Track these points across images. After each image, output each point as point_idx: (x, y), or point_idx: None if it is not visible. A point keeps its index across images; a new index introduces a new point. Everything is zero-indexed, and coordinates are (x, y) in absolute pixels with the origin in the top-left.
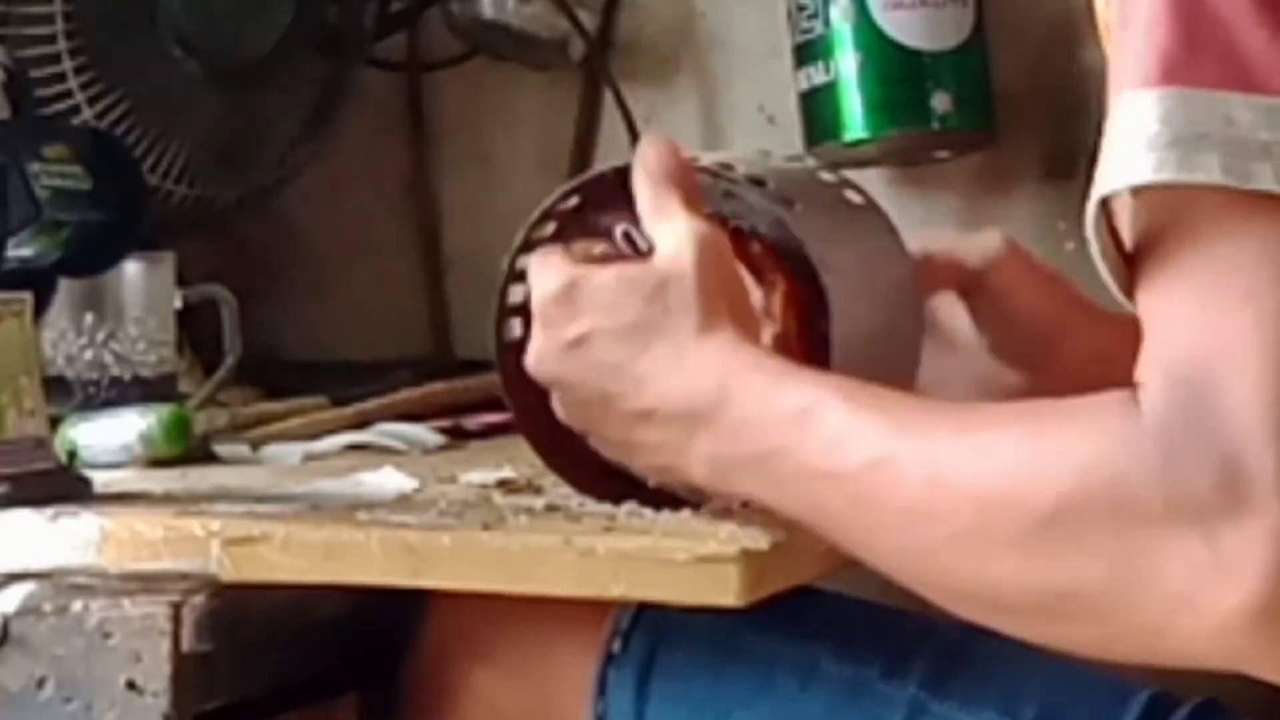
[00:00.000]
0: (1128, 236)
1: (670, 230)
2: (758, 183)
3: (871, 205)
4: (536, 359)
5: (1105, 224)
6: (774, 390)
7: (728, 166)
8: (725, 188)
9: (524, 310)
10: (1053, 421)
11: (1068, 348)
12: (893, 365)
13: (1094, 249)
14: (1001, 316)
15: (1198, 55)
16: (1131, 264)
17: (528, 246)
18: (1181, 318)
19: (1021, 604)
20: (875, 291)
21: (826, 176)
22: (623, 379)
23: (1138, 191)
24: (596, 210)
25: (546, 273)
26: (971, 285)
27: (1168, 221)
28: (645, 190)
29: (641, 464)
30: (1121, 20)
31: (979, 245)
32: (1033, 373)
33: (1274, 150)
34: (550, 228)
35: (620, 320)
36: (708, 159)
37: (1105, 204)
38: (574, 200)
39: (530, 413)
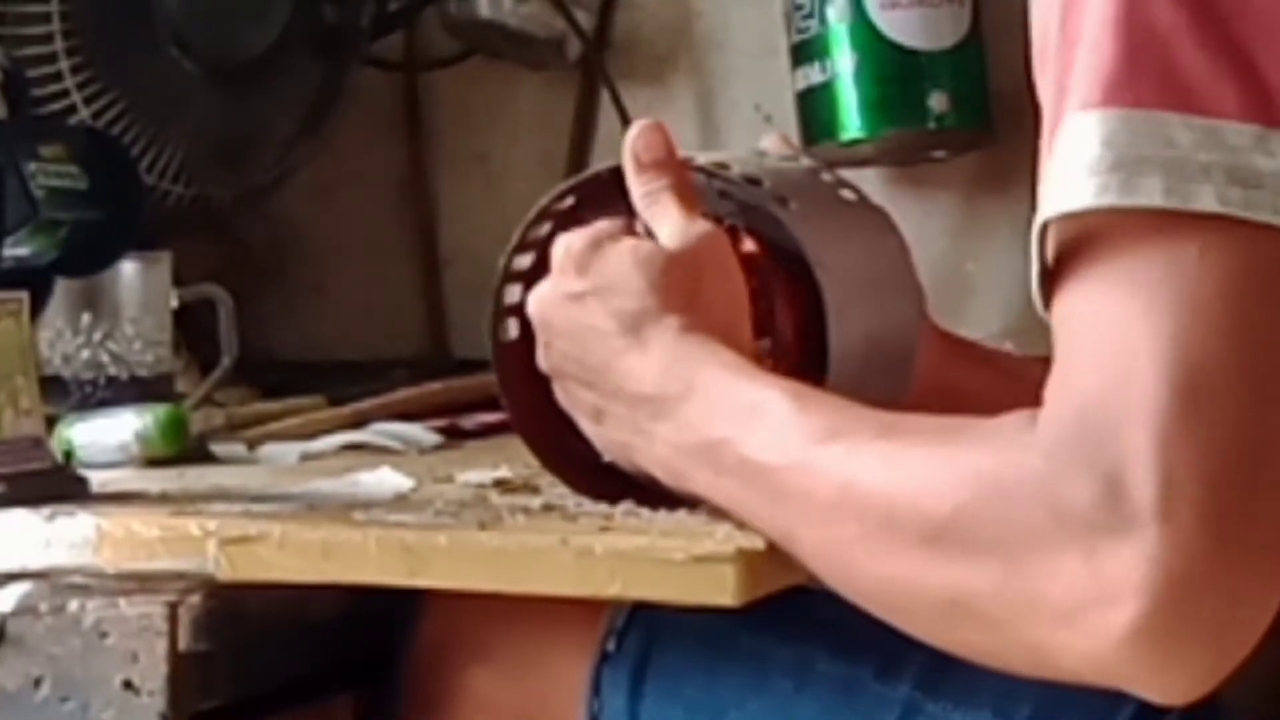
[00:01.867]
0: (1050, 255)
1: (670, 222)
2: (753, 182)
3: (867, 203)
4: (536, 300)
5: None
6: (733, 387)
7: (723, 166)
8: (720, 187)
9: (520, 310)
10: (958, 434)
11: (920, 371)
12: (889, 363)
13: (1034, 270)
14: None
15: (1138, 76)
16: (1052, 282)
17: (523, 247)
18: (1081, 336)
19: (919, 608)
20: (871, 290)
21: (823, 176)
22: (604, 350)
23: (1078, 215)
24: (592, 210)
25: (583, 230)
26: None
27: (1087, 243)
28: (636, 180)
29: (601, 434)
30: (1066, 40)
31: None
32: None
33: (1213, 171)
34: (546, 227)
35: (620, 300)
36: (703, 158)
37: (1045, 227)
38: (570, 200)
39: (526, 412)
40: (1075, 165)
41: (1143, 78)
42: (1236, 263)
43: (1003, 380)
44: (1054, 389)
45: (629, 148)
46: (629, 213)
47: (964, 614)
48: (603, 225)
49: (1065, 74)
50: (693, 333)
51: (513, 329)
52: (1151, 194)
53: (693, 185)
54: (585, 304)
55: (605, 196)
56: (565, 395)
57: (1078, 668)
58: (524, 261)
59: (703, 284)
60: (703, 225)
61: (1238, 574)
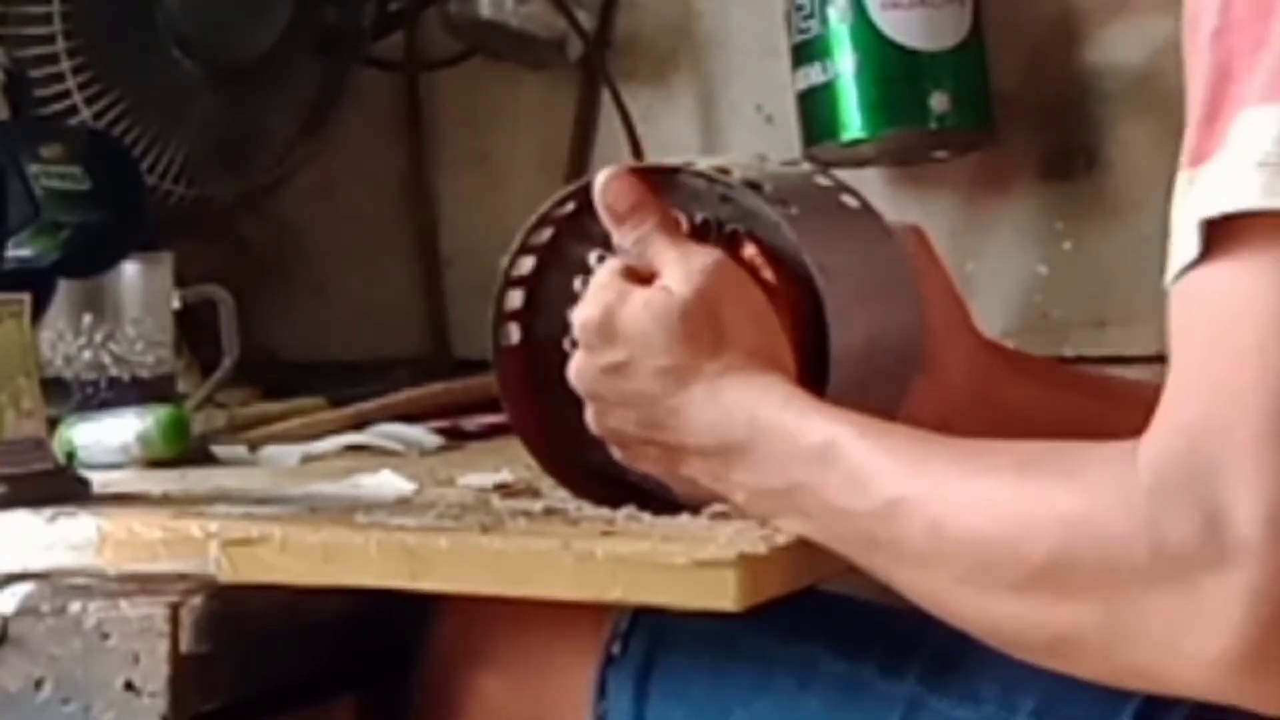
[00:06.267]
0: (1197, 245)
1: (670, 263)
2: (754, 186)
3: (867, 208)
4: (577, 374)
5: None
6: (798, 427)
7: (724, 170)
8: (721, 191)
9: (521, 316)
10: (1049, 473)
11: (947, 358)
12: (890, 368)
13: (1171, 268)
14: None
15: None
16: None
17: (524, 251)
18: (1193, 365)
19: (1025, 643)
20: (872, 293)
21: (822, 180)
22: (659, 411)
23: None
24: (594, 215)
25: (588, 298)
26: None
27: (1233, 244)
28: (619, 231)
29: (681, 489)
30: (1254, 44)
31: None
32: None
33: None
34: (547, 233)
35: (655, 358)
36: (704, 163)
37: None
38: (571, 206)
39: (527, 417)
40: (1242, 162)
41: None
42: None
43: (1053, 393)
44: (1159, 418)
45: (601, 202)
46: None
47: (1072, 648)
48: (601, 282)
49: (1248, 74)
50: (734, 373)
51: (514, 334)
52: None
53: (672, 217)
54: (624, 372)
55: None
56: (632, 456)
57: (1188, 689)
58: (525, 266)
59: (724, 315)
60: (704, 256)
61: None
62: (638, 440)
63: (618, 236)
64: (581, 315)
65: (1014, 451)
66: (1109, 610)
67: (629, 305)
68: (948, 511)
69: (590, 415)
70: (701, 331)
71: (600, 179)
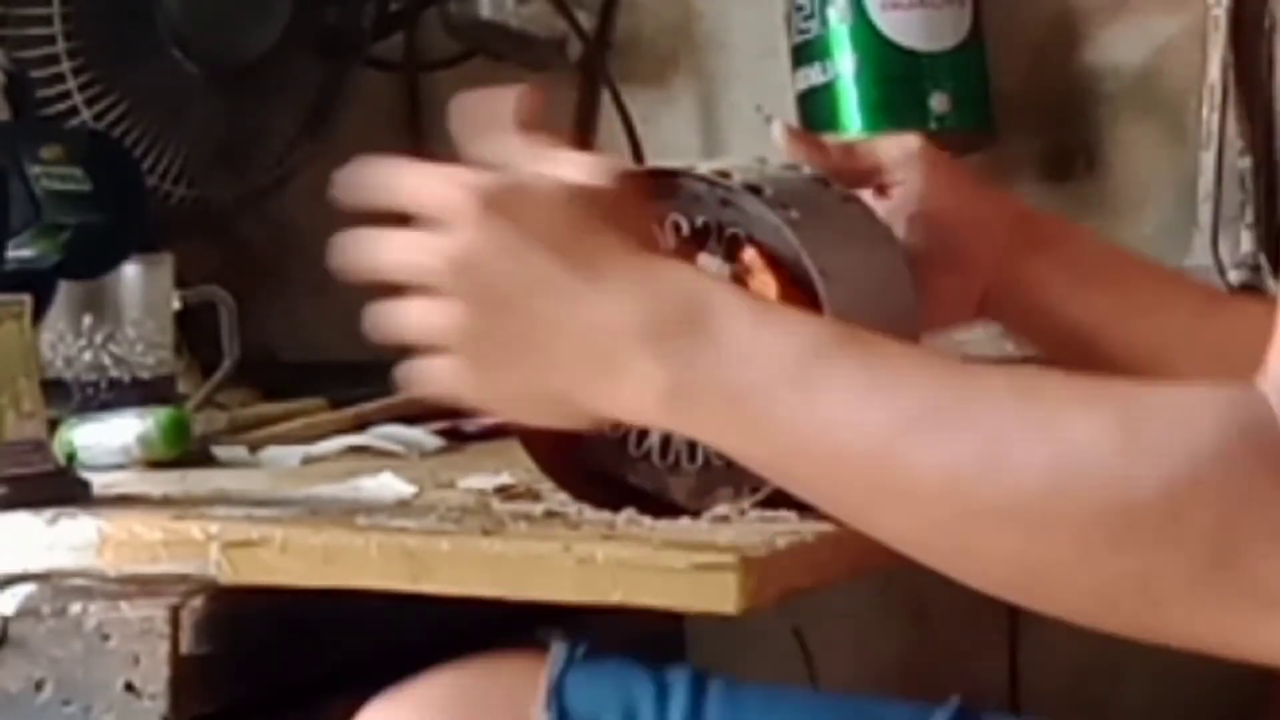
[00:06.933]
0: None
1: (584, 160)
2: (754, 190)
3: (867, 212)
4: (421, 249)
5: None
6: (761, 321)
7: (724, 174)
8: (722, 195)
9: None
10: (1155, 407)
11: (977, 249)
12: None
13: None
14: (914, 217)
15: None
16: None
17: None
18: None
19: (1072, 596)
20: (871, 298)
21: (824, 185)
22: (552, 294)
23: None
24: None
25: (452, 173)
26: (887, 183)
27: None
28: (493, 148)
29: (536, 388)
30: None
31: (897, 145)
32: (945, 275)
33: None
34: None
35: (562, 233)
36: (704, 167)
37: None
38: None
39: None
40: None
41: None
42: None
43: (1085, 286)
44: None
45: (517, 115)
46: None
47: (1146, 602)
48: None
49: None
50: (669, 262)
51: None
52: None
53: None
54: (510, 248)
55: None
56: (474, 367)
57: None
58: None
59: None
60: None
61: None
62: (497, 343)
63: (509, 148)
64: (470, 180)
65: (1071, 383)
66: (1215, 555)
67: (528, 176)
68: (1009, 445)
69: (415, 309)
70: (624, 222)
71: (453, 108)
